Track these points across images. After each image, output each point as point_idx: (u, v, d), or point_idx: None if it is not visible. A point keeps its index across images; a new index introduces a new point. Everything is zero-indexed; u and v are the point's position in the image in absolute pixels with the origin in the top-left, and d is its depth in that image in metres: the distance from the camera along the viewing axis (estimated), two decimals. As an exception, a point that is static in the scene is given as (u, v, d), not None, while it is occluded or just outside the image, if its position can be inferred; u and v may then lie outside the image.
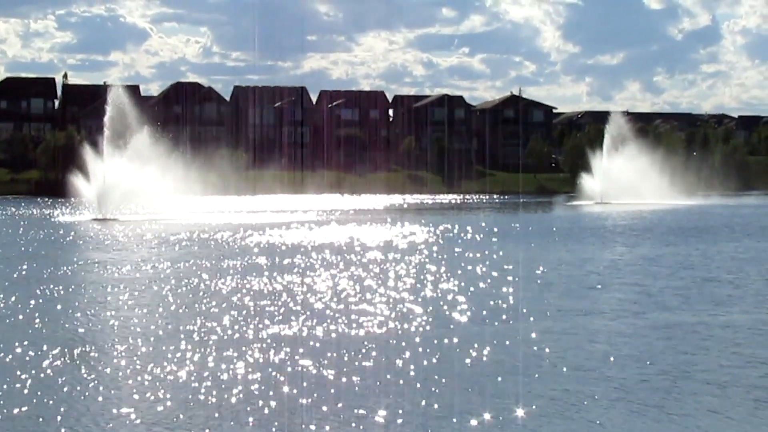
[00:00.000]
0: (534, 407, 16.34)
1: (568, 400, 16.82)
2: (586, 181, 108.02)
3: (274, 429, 15.13)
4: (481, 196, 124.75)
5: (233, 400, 16.68)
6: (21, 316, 25.28)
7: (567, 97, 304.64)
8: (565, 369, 19.12)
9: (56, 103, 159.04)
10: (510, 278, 32.99)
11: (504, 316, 25.13)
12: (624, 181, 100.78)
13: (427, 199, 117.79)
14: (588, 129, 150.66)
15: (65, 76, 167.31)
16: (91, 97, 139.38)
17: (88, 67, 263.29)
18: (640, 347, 21.37)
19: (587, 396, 17.15)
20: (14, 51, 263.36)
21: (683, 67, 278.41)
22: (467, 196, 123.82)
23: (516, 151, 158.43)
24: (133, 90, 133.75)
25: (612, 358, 20.15)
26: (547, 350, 20.92)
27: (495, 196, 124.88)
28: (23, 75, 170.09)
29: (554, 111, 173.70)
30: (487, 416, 15.76)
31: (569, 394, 17.22)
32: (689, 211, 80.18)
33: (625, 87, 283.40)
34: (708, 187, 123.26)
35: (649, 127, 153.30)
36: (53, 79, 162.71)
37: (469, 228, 58.69)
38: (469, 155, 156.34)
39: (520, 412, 16.04)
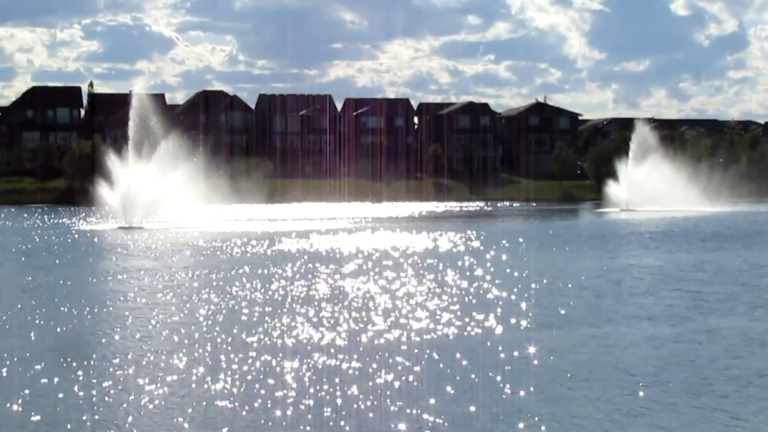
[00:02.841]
0: (600, 411, 16.06)
1: (633, 405, 16.49)
2: (611, 188, 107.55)
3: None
4: (507, 204, 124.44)
5: (288, 410, 16.45)
6: (57, 325, 25.12)
7: (593, 104, 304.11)
8: (626, 373, 18.81)
9: (82, 112, 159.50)
10: (557, 284, 32.76)
11: (558, 322, 24.86)
12: (649, 188, 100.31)
13: (453, 206, 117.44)
14: (613, 136, 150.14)
15: (91, 85, 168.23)
16: (117, 105, 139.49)
17: (114, 76, 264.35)
18: (697, 352, 21.06)
19: (652, 400, 16.82)
20: (41, 60, 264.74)
21: (710, 73, 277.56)
22: (493, 204, 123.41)
23: (541, 158, 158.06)
24: (159, 98, 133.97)
25: (671, 363, 19.83)
26: (605, 355, 20.66)
27: (521, 204, 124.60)
28: (50, 84, 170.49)
29: (580, 118, 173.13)
30: (551, 421, 15.48)
31: (633, 399, 16.90)
32: (719, 218, 79.52)
33: (651, 94, 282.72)
34: (734, 194, 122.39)
35: (674, 133, 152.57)
36: (79, 88, 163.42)
37: (505, 235, 58.31)
38: (494, 162, 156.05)
39: (587, 416, 15.76)
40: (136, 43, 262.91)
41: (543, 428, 15.16)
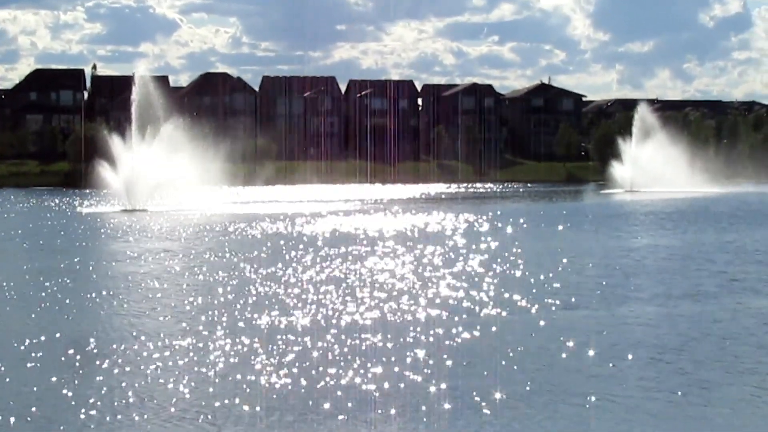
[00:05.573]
0: (642, 390, 15.93)
1: (673, 383, 16.33)
2: (615, 169, 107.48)
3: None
4: (512, 185, 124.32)
5: (325, 392, 16.36)
6: (62, 310, 25.07)
7: (597, 85, 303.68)
8: (664, 352, 18.71)
9: (85, 94, 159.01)
10: (586, 264, 32.79)
11: (591, 302, 24.76)
12: (654, 169, 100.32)
13: (459, 188, 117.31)
14: (618, 117, 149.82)
15: (94, 67, 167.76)
16: (121, 88, 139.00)
17: (118, 58, 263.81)
18: (732, 329, 21.01)
19: (695, 378, 16.72)
20: (44, 43, 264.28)
21: (714, 54, 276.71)
22: (498, 185, 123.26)
23: (545, 139, 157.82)
24: (162, 81, 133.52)
25: (708, 342, 19.78)
26: (642, 333, 20.64)
27: (525, 185, 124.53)
28: (53, 67, 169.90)
29: (584, 99, 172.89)
30: (593, 398, 15.37)
31: (674, 377, 16.80)
32: (726, 199, 79.45)
33: (655, 75, 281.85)
34: (738, 175, 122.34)
35: (678, 114, 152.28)
36: (82, 70, 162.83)
37: (519, 216, 58.15)
38: (498, 144, 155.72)
39: (629, 396, 15.62)
40: (140, 26, 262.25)
41: (586, 407, 15.04)
